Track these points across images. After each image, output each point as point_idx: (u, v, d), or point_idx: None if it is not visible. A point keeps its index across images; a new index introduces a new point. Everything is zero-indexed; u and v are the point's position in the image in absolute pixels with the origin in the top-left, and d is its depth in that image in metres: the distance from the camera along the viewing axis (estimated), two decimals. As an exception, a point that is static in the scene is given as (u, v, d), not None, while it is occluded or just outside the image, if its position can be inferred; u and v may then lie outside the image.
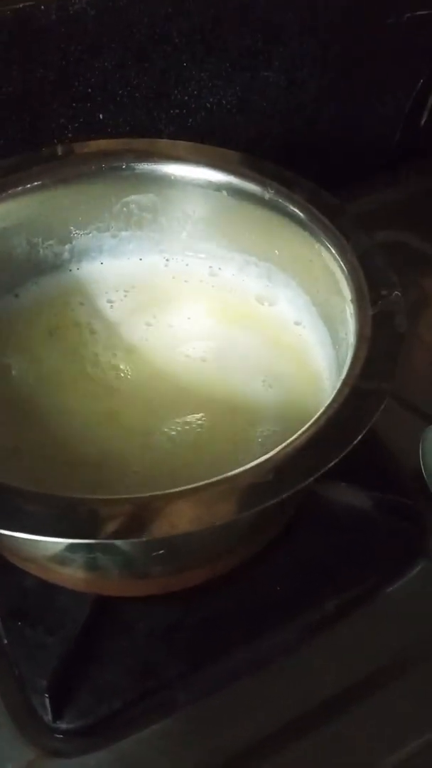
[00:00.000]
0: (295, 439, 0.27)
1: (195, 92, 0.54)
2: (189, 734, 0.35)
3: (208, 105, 0.55)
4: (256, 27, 0.53)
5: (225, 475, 0.26)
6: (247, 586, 0.37)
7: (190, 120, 0.55)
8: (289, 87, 0.58)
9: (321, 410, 0.28)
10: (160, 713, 0.35)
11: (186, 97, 0.54)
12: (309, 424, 0.28)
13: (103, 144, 0.41)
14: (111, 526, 0.25)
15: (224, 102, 0.56)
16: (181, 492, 0.25)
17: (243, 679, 0.36)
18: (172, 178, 0.40)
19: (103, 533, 0.24)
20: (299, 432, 0.27)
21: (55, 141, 0.50)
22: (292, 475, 0.26)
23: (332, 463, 0.26)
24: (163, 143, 0.41)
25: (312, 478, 0.26)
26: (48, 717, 0.33)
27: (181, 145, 0.40)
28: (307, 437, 0.27)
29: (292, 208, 0.37)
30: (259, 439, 0.35)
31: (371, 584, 0.40)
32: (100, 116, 0.51)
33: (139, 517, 0.25)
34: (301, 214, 0.37)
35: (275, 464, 0.26)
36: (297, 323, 0.40)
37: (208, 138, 0.57)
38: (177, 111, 0.54)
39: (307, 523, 0.39)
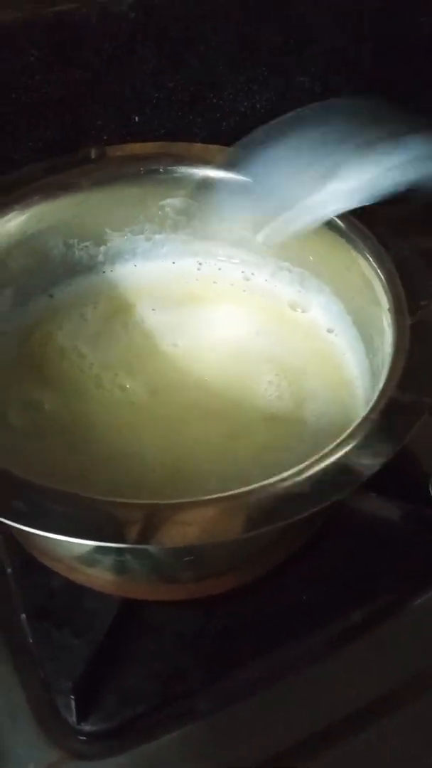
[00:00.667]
0: (332, 449, 0.27)
1: (230, 96, 0.54)
2: (210, 742, 0.35)
3: (242, 109, 0.55)
4: (293, 31, 0.53)
5: (261, 484, 0.26)
6: (272, 595, 0.37)
7: (224, 124, 0.55)
8: (323, 93, 0.57)
9: (357, 421, 0.28)
10: (184, 719, 0.35)
11: (221, 101, 0.54)
12: (345, 435, 0.27)
13: (140, 147, 0.41)
14: (144, 531, 0.24)
15: (258, 107, 0.56)
16: (216, 499, 0.25)
17: (266, 689, 0.36)
18: (209, 182, 0.39)
19: (134, 538, 0.24)
20: (335, 442, 0.27)
21: (91, 143, 0.51)
22: (328, 486, 0.26)
23: (370, 476, 0.26)
24: (200, 147, 0.41)
25: (348, 491, 0.25)
26: (72, 719, 0.33)
27: (218, 149, 0.40)
28: (343, 448, 0.27)
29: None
30: (288, 448, 0.35)
31: (397, 596, 0.39)
32: (136, 119, 0.51)
33: (173, 523, 0.25)
34: (337, 220, 0.36)
35: (311, 475, 0.26)
36: (330, 330, 0.40)
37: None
38: (211, 115, 0.54)
39: (334, 533, 0.38)
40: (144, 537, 0.24)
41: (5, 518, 0.24)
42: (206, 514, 0.25)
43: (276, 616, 0.37)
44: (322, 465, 0.26)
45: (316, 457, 0.27)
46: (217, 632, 0.36)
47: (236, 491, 0.25)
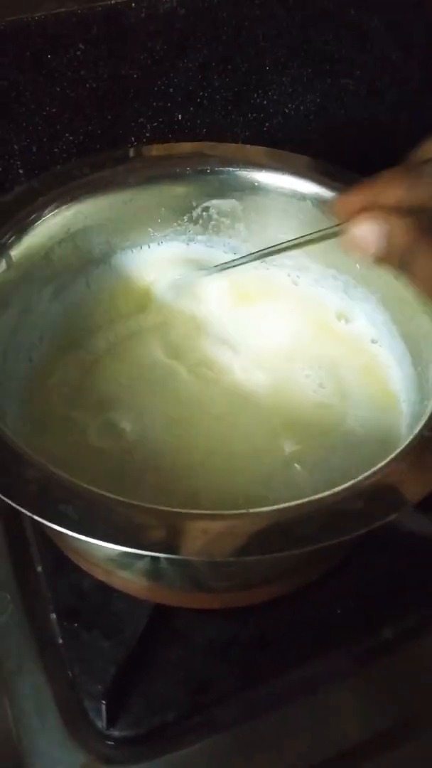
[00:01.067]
0: (384, 465, 0.26)
1: (275, 97, 0.53)
2: (236, 754, 0.34)
3: (286, 110, 0.54)
4: (341, 34, 0.52)
5: (311, 498, 0.25)
6: (306, 607, 0.37)
7: (267, 125, 0.54)
8: (367, 96, 0.57)
9: (410, 437, 0.27)
10: (211, 729, 0.35)
11: (265, 102, 0.53)
12: (398, 451, 0.27)
13: (188, 146, 0.40)
14: (192, 542, 0.24)
15: (302, 108, 0.55)
16: (268, 513, 0.25)
17: (295, 702, 0.35)
18: (256, 184, 0.39)
19: (184, 549, 0.24)
20: (388, 459, 0.26)
21: (133, 139, 0.50)
22: (382, 504, 0.25)
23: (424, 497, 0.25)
24: (249, 149, 0.40)
25: (403, 511, 0.25)
26: (102, 723, 0.33)
27: (267, 151, 0.40)
28: (396, 465, 0.26)
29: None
30: (331, 458, 0.34)
31: (430, 613, 0.38)
32: (179, 117, 0.51)
33: (221, 535, 0.24)
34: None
35: (363, 491, 0.26)
36: (374, 341, 0.39)
37: (282, 144, 0.56)
38: (254, 115, 0.54)
39: (372, 548, 0.38)
40: (192, 548, 0.24)
41: (54, 523, 0.23)
42: (256, 527, 0.24)
43: (308, 629, 0.36)
44: (375, 482, 0.26)
45: (368, 473, 0.26)
46: (248, 643, 0.36)
47: (287, 504, 0.25)
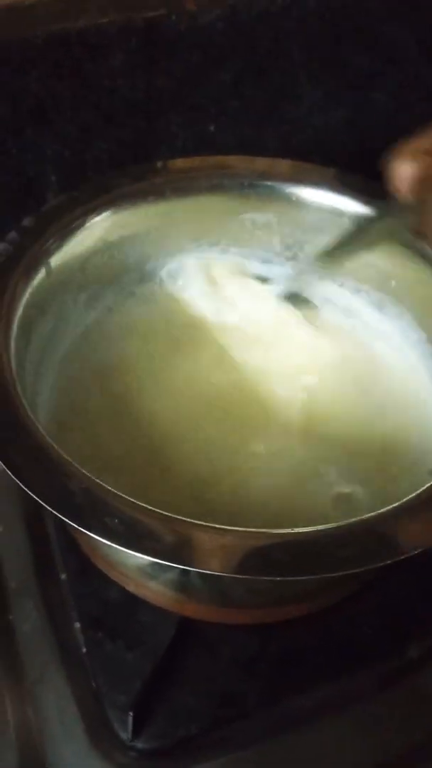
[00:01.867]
0: (426, 489, 0.26)
1: (305, 111, 0.53)
2: (259, 769, 0.34)
3: (317, 123, 0.55)
4: (373, 48, 0.52)
5: (353, 519, 0.25)
6: (333, 625, 0.36)
7: (297, 137, 0.55)
8: (397, 111, 0.57)
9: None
10: (234, 744, 0.34)
11: (295, 115, 0.53)
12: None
13: (224, 160, 0.40)
14: (223, 559, 0.24)
15: (332, 122, 0.55)
16: (308, 533, 0.25)
17: (318, 720, 0.35)
18: (294, 199, 0.39)
19: (227, 568, 0.24)
20: (424, 488, 0.26)
21: (164, 148, 0.50)
22: (420, 531, 0.25)
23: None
24: (285, 163, 0.40)
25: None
26: (127, 735, 0.33)
27: (305, 166, 0.40)
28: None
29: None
30: (366, 480, 0.34)
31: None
32: (211, 128, 0.51)
33: (261, 554, 0.24)
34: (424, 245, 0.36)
35: (402, 515, 0.25)
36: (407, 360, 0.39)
37: (310, 157, 0.56)
38: (285, 127, 0.54)
39: (399, 565, 0.37)
40: (230, 566, 0.24)
41: (101, 536, 0.23)
42: (295, 548, 0.24)
43: (334, 646, 0.36)
44: (413, 506, 0.26)
45: (408, 498, 0.26)
46: (274, 658, 0.36)
47: (328, 526, 0.25)
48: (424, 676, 0.37)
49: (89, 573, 0.37)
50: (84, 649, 0.36)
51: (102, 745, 0.34)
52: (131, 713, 0.32)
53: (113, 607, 0.37)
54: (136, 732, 0.33)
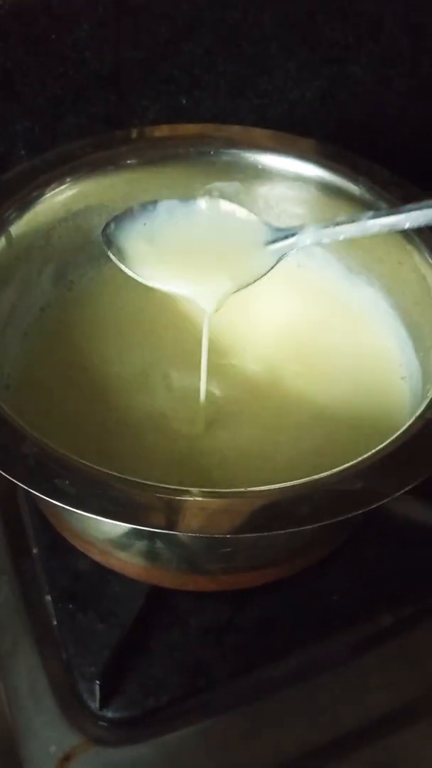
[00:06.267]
0: (383, 448, 0.26)
1: (280, 83, 0.53)
2: (231, 738, 0.34)
3: (292, 97, 0.54)
4: (350, 20, 0.51)
5: (310, 478, 0.25)
6: (303, 593, 0.36)
7: (271, 111, 0.54)
8: (376, 85, 0.56)
9: (410, 420, 0.27)
10: (206, 712, 0.34)
11: (270, 88, 0.53)
12: (398, 433, 0.26)
13: (192, 128, 0.40)
14: (190, 519, 0.24)
15: (308, 95, 0.54)
16: (266, 492, 0.24)
17: (290, 688, 0.35)
18: (260, 167, 0.38)
19: (179, 526, 0.24)
20: (388, 440, 0.26)
21: (136, 122, 0.50)
22: (380, 486, 0.25)
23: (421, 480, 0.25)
24: (254, 131, 0.40)
25: (402, 491, 0.24)
26: (95, 704, 0.33)
27: (273, 134, 0.39)
28: (396, 446, 0.26)
29: (384, 206, 0.36)
30: (337, 442, 0.34)
31: (429, 602, 0.38)
32: (183, 101, 0.50)
33: (217, 514, 0.24)
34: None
35: (361, 472, 0.25)
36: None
37: (286, 131, 0.56)
38: (259, 101, 0.53)
39: (368, 534, 0.37)
40: (190, 525, 0.23)
41: (48, 496, 0.23)
42: (254, 506, 0.24)
43: (306, 615, 0.36)
44: (374, 462, 0.25)
45: (366, 455, 0.26)
46: (244, 627, 0.36)
47: (285, 484, 0.25)
48: (396, 643, 0.37)
49: (61, 547, 0.37)
50: (55, 621, 0.36)
51: (72, 715, 0.34)
52: (98, 683, 0.32)
53: (84, 579, 0.37)
54: (105, 702, 0.33)
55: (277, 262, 0.32)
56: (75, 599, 0.36)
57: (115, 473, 0.24)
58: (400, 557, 0.38)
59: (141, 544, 0.30)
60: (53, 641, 0.35)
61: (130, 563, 0.32)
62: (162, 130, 0.40)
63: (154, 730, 0.34)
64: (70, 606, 0.36)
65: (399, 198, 0.36)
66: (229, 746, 0.34)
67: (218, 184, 0.40)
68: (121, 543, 0.30)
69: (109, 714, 0.33)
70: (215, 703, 0.35)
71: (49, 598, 0.36)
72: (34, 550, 0.38)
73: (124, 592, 0.35)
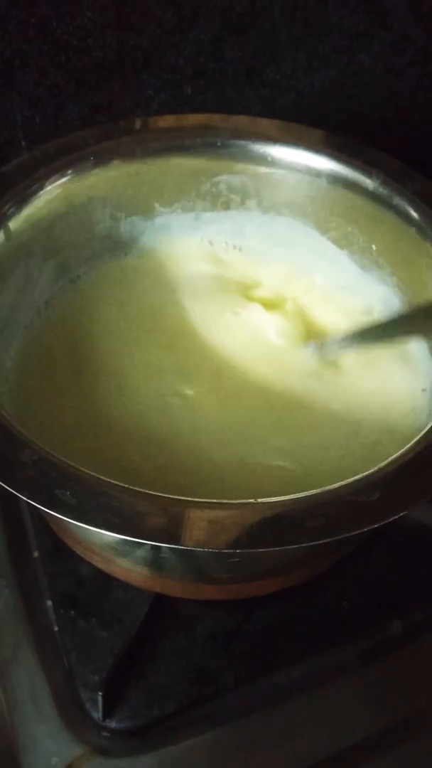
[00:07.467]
0: (400, 456, 0.25)
1: (288, 72, 0.51)
2: (236, 749, 0.33)
3: (300, 87, 0.52)
4: (360, 9, 0.50)
5: (324, 489, 0.24)
6: (312, 600, 0.35)
7: (279, 101, 0.53)
8: (385, 74, 0.55)
9: (427, 428, 0.26)
10: (211, 723, 0.33)
11: (278, 77, 0.51)
12: (417, 438, 0.25)
13: (198, 118, 0.38)
14: (195, 532, 0.23)
15: (316, 84, 0.53)
16: (276, 503, 0.23)
17: (298, 697, 0.34)
18: (269, 159, 0.37)
19: (184, 540, 0.23)
20: (404, 449, 0.25)
21: (140, 112, 0.48)
22: (397, 496, 0.24)
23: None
24: (262, 122, 0.38)
25: (421, 502, 0.23)
26: (98, 714, 0.32)
27: (281, 125, 0.38)
28: (413, 454, 0.25)
29: (399, 201, 0.34)
30: (358, 451, 0.32)
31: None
32: (188, 90, 0.49)
33: (225, 527, 0.23)
34: (409, 208, 0.34)
35: (377, 482, 0.24)
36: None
37: (295, 121, 0.54)
38: (267, 90, 0.52)
39: (380, 540, 0.36)
40: (195, 538, 0.22)
41: (48, 508, 0.22)
42: (263, 518, 0.23)
43: (314, 622, 0.35)
44: (391, 472, 0.24)
45: (384, 463, 0.25)
46: (251, 635, 0.35)
47: (297, 495, 0.23)
48: (406, 651, 0.36)
49: (62, 551, 0.36)
50: (56, 628, 0.35)
51: (74, 725, 0.33)
52: (100, 693, 0.31)
53: (87, 585, 0.36)
54: (108, 711, 0.32)
55: None
56: (77, 605, 0.35)
57: (117, 483, 0.23)
58: (412, 563, 0.37)
59: (144, 553, 0.29)
60: (55, 648, 0.35)
61: (133, 571, 0.31)
62: (167, 121, 0.38)
63: (159, 740, 0.33)
64: (72, 612, 0.35)
65: (414, 193, 0.34)
66: (235, 757, 0.33)
67: (225, 177, 0.38)
68: (124, 552, 0.29)
69: (113, 724, 0.32)
70: (222, 713, 0.34)
71: (50, 603, 0.36)
72: (35, 554, 0.38)
73: (127, 598, 0.34)
